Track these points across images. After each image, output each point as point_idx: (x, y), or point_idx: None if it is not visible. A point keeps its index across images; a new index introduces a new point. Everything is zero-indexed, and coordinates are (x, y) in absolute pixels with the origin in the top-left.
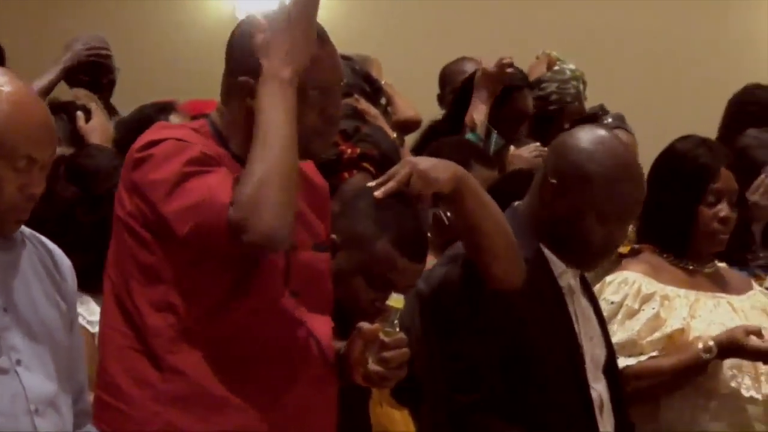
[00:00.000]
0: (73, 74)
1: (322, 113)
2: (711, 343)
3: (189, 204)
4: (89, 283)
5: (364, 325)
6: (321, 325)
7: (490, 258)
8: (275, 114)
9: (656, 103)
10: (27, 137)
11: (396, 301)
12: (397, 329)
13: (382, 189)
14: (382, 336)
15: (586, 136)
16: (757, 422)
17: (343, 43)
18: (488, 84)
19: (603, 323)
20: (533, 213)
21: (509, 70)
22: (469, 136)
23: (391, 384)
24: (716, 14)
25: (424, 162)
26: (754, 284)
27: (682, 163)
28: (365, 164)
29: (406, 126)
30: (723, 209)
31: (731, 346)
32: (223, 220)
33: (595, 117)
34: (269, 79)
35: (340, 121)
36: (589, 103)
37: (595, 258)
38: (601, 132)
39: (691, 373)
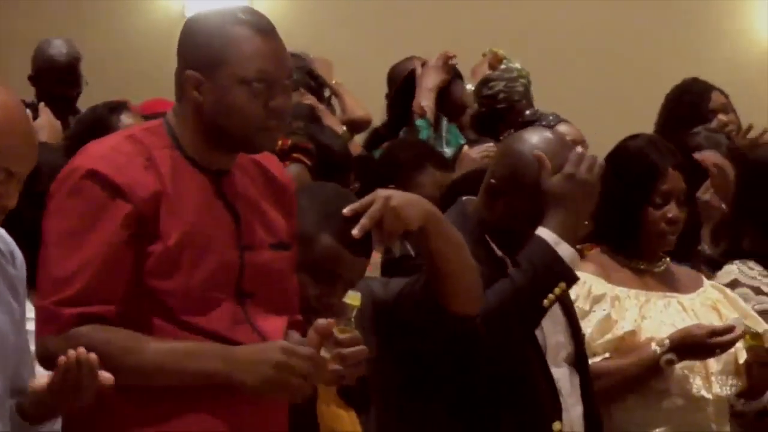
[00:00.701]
0: (45, 88)
1: (266, 106)
2: (670, 356)
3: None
4: (34, 280)
5: (320, 321)
6: (271, 325)
7: (449, 294)
8: None
9: (607, 101)
10: (8, 151)
11: (353, 298)
12: (353, 326)
13: (357, 227)
14: (336, 333)
15: (530, 141)
16: (709, 422)
17: (295, 43)
18: (432, 74)
19: (571, 314)
20: (479, 211)
21: (452, 62)
22: (418, 122)
23: (348, 381)
24: (667, 10)
25: (397, 198)
26: (704, 280)
27: (630, 163)
28: (297, 155)
29: (356, 125)
30: (671, 210)
31: (686, 344)
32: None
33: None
34: None
35: (287, 115)
36: (538, 102)
37: None
38: (546, 135)
39: (648, 375)
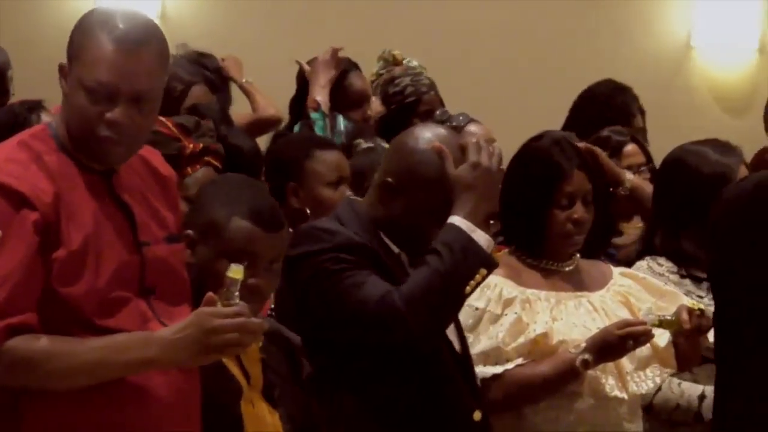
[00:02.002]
0: None
1: (100, 115)
2: (587, 356)
3: None
4: None
5: (207, 295)
6: (176, 319)
7: None
8: None
9: (517, 101)
10: None
11: (235, 272)
12: (237, 300)
13: None
14: (219, 307)
15: (424, 136)
16: (624, 422)
17: (206, 42)
18: (325, 70)
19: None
20: (372, 209)
21: (341, 56)
22: (313, 115)
23: (237, 351)
24: (579, 10)
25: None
26: (613, 270)
27: (535, 164)
28: (208, 158)
29: (267, 124)
30: (576, 210)
31: (601, 345)
32: None
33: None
34: None
35: (128, 130)
36: (450, 103)
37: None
38: (437, 130)
39: (566, 379)
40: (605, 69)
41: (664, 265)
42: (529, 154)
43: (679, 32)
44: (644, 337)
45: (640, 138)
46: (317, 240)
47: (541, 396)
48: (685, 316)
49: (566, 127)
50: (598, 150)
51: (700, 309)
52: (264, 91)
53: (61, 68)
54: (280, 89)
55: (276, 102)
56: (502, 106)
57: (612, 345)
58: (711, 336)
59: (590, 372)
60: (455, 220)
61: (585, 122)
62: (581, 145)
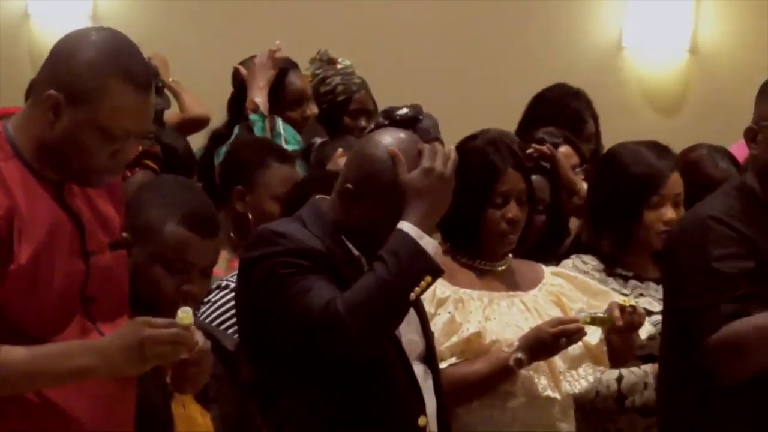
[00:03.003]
0: None
1: (113, 154)
2: (520, 354)
3: None
4: None
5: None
6: (116, 328)
7: None
8: None
9: (451, 102)
10: None
11: (182, 318)
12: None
13: None
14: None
15: (383, 142)
16: (557, 421)
17: (137, 42)
18: (262, 72)
19: (422, 313)
20: (334, 212)
21: (278, 56)
22: (252, 117)
23: (173, 360)
24: (506, 11)
25: None
26: (545, 270)
27: (470, 163)
28: (146, 161)
29: (195, 123)
30: (511, 210)
31: (534, 344)
32: None
33: (415, 120)
34: None
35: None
36: (382, 103)
37: None
38: (398, 135)
39: (499, 378)
40: (537, 70)
41: (589, 263)
42: (465, 153)
43: (610, 33)
44: (577, 334)
45: (593, 142)
46: (271, 243)
47: (475, 395)
48: (616, 312)
49: (519, 130)
50: (558, 156)
51: (631, 306)
52: (194, 91)
53: (53, 99)
54: (211, 89)
55: (205, 101)
56: (439, 107)
57: (545, 343)
58: (642, 333)
59: (523, 372)
60: (404, 225)
61: (537, 126)
62: (544, 147)
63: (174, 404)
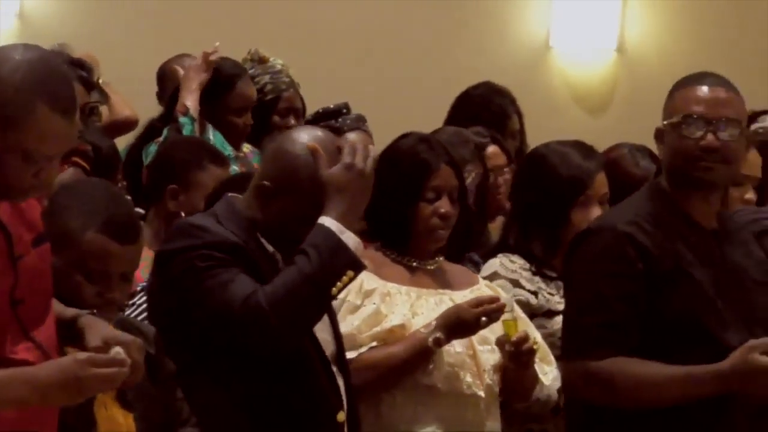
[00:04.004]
0: None
1: (35, 175)
2: (438, 334)
3: None
4: None
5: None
6: (44, 333)
7: None
8: None
9: (383, 102)
10: None
11: (117, 353)
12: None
13: None
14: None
15: (300, 139)
16: (481, 419)
17: (64, 41)
18: (195, 75)
19: (332, 314)
20: (249, 210)
21: (213, 57)
22: (182, 119)
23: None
24: (434, 10)
25: None
26: (479, 278)
27: (402, 159)
28: (76, 159)
29: (122, 125)
30: (443, 205)
31: (452, 321)
32: None
33: (337, 113)
34: None
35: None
36: (316, 103)
37: None
38: (315, 132)
39: (418, 359)
40: (465, 70)
41: (516, 262)
42: (396, 151)
43: (537, 33)
44: (497, 313)
45: (518, 140)
46: (189, 236)
47: (394, 378)
48: (506, 347)
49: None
50: None
51: (522, 340)
52: (123, 92)
53: None
54: (140, 89)
55: (133, 102)
56: (368, 106)
57: (465, 322)
58: (546, 379)
59: (448, 369)
60: (325, 221)
61: (462, 124)
62: None
63: (96, 405)
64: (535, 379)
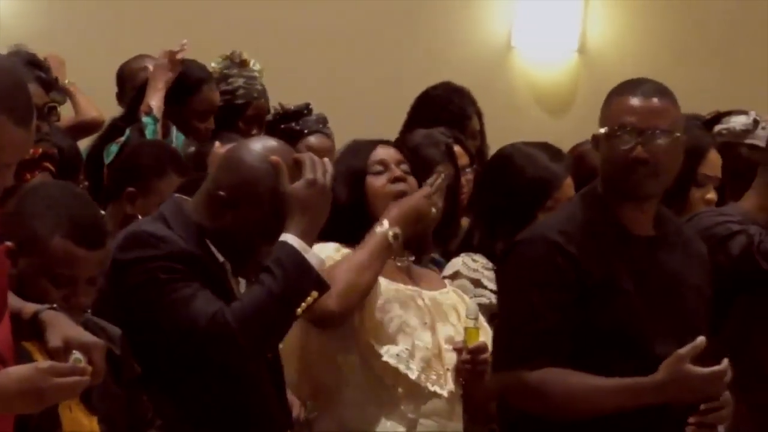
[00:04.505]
0: None
1: None
2: (396, 230)
3: None
4: None
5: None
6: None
7: None
8: None
9: (345, 102)
10: None
11: (77, 360)
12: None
13: None
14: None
15: (259, 151)
16: (442, 419)
17: (27, 42)
18: (161, 74)
19: None
20: (200, 215)
21: (179, 56)
22: (145, 119)
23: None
24: (396, 11)
25: None
26: (448, 284)
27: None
28: (45, 163)
29: (89, 126)
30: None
31: (405, 213)
32: None
33: (299, 114)
34: None
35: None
36: (274, 101)
37: (257, 267)
38: (271, 143)
39: (380, 255)
40: (427, 69)
41: (478, 261)
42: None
43: (499, 32)
44: (439, 192)
45: (478, 140)
46: (148, 246)
47: (366, 278)
48: (462, 353)
49: (405, 129)
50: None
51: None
52: (87, 92)
53: None
54: (99, 90)
55: (97, 103)
56: (330, 107)
57: (419, 211)
58: None
59: (411, 367)
60: (289, 238)
61: (422, 125)
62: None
63: (61, 407)
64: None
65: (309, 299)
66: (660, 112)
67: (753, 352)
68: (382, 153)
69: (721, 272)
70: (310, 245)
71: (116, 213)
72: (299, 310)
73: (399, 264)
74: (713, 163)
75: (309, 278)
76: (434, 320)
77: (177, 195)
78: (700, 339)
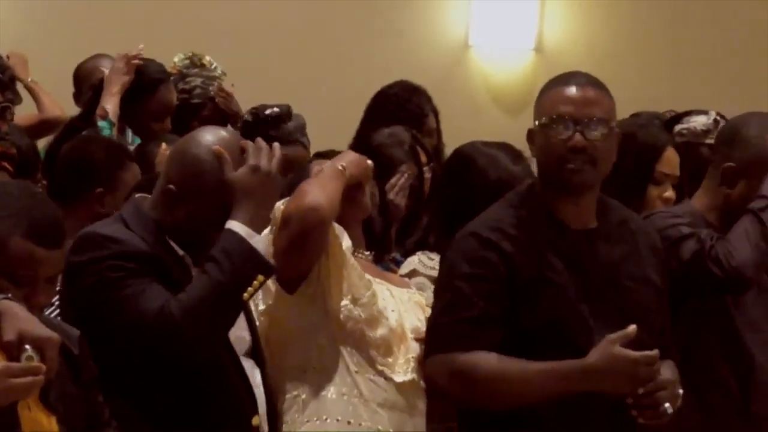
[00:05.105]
0: None
1: None
2: (344, 163)
3: None
4: None
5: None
6: None
7: None
8: None
9: (303, 101)
10: None
11: (29, 358)
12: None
13: None
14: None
15: (204, 142)
16: (403, 413)
17: None
18: (116, 78)
19: (247, 309)
20: (156, 212)
21: (135, 61)
22: (101, 123)
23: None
24: (362, 10)
25: None
26: (412, 285)
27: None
28: (4, 163)
29: (52, 124)
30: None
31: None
32: None
33: (277, 121)
34: None
35: None
36: (245, 103)
37: None
38: (220, 133)
39: (337, 183)
40: (385, 69)
41: (434, 259)
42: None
43: (456, 32)
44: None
45: (434, 138)
46: (100, 247)
47: (333, 185)
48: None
49: (361, 128)
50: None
51: None
52: (49, 91)
53: None
54: (56, 89)
55: (61, 103)
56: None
57: (360, 158)
58: None
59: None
60: (233, 225)
61: (379, 123)
62: None
63: (20, 406)
64: None
65: (255, 283)
66: (595, 101)
67: (701, 353)
68: (317, 169)
69: (672, 275)
70: (259, 230)
71: (78, 214)
72: (246, 295)
73: (361, 256)
74: (671, 161)
75: (254, 263)
76: (401, 312)
77: (137, 195)
78: (632, 327)
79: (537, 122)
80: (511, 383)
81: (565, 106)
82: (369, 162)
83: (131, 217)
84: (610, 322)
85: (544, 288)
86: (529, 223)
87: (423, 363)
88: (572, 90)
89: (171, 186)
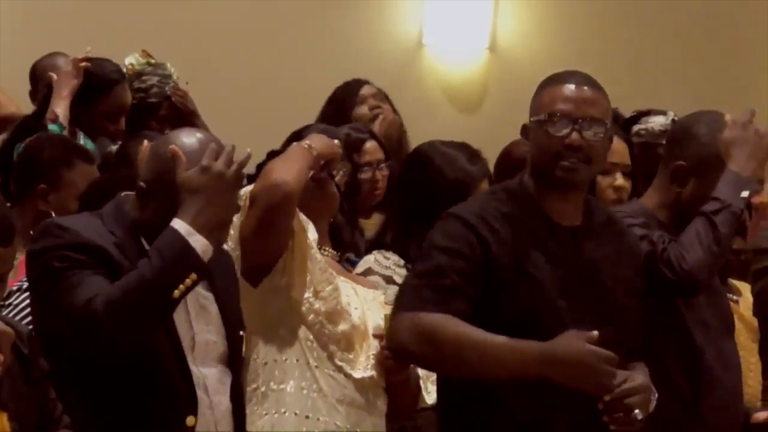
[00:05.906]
0: None
1: None
2: (309, 142)
3: None
4: None
5: None
6: None
7: None
8: None
9: (257, 102)
10: None
11: None
12: None
13: None
14: None
15: (171, 140)
16: (361, 410)
17: None
18: (65, 82)
19: (229, 316)
20: (133, 209)
21: (83, 64)
22: (51, 127)
23: None
24: (315, 9)
25: None
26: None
27: None
28: None
29: (6, 121)
30: None
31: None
32: None
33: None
34: None
35: None
36: (198, 102)
37: None
38: (191, 134)
39: (306, 166)
40: (338, 68)
41: (390, 258)
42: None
43: (410, 30)
44: None
45: (379, 126)
46: (52, 236)
47: (299, 164)
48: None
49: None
50: None
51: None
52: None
53: None
54: (11, 87)
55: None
56: (242, 107)
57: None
58: (429, 399)
59: (332, 346)
60: (175, 223)
61: (334, 123)
62: None
63: None
64: (415, 397)
65: (188, 282)
66: (593, 101)
67: (655, 353)
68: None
69: None
70: (203, 229)
71: (26, 211)
72: (176, 292)
73: (326, 253)
74: (617, 151)
75: (188, 261)
76: (365, 310)
77: (124, 193)
78: (594, 333)
79: (533, 118)
80: (474, 350)
81: (564, 104)
82: (336, 142)
83: (109, 214)
84: (587, 320)
85: (522, 280)
86: (514, 217)
87: (390, 320)
88: (571, 88)
89: (142, 183)
